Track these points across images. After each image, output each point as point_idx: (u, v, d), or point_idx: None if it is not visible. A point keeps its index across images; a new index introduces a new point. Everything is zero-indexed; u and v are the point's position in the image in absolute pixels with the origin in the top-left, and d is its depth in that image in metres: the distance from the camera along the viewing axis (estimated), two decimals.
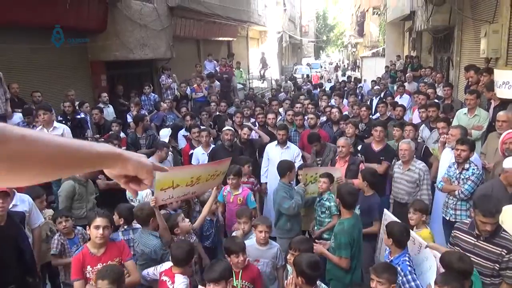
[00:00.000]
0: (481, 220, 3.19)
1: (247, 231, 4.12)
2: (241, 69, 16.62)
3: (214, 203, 4.58)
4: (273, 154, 6.02)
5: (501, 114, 5.14)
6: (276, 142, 6.12)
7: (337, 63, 45.39)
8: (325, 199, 4.66)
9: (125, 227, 4.17)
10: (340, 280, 3.81)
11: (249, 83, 18.72)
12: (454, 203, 4.65)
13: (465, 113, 6.03)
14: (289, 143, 6.17)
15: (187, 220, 4.00)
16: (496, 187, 4.09)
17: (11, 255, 3.54)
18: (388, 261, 3.56)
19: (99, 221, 3.38)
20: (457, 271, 2.92)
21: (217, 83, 12.20)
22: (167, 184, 4.00)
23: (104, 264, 3.37)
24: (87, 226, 3.51)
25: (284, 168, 4.90)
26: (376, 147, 5.69)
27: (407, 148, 4.95)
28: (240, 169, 4.96)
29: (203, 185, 4.26)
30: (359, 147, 5.97)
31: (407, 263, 3.34)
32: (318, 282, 3.26)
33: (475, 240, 3.32)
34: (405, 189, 4.99)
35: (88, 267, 3.37)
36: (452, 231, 3.59)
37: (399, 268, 3.27)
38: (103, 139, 6.56)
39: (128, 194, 5.10)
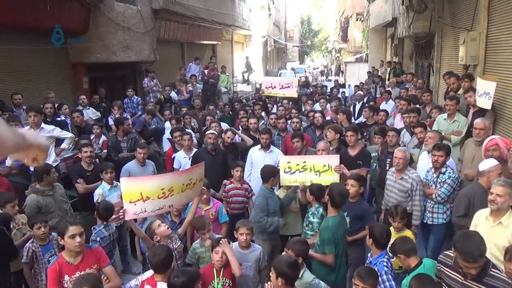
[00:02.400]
0: (463, 264, 2.81)
1: (211, 237, 4.05)
2: (227, 74, 16.62)
3: None
4: (257, 158, 6.02)
5: (478, 122, 5.15)
6: (259, 146, 6.11)
7: (324, 68, 45.88)
8: (310, 213, 4.55)
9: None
10: (324, 278, 3.82)
11: (233, 86, 18.72)
12: (431, 206, 4.75)
13: (444, 119, 6.13)
14: (272, 147, 6.18)
15: (163, 225, 3.91)
16: (478, 191, 4.17)
17: None
18: (367, 262, 3.65)
19: (72, 229, 3.27)
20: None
21: (198, 85, 12.16)
22: (135, 196, 3.82)
23: (82, 272, 3.30)
24: (58, 237, 3.37)
25: (268, 173, 4.81)
26: (352, 152, 5.68)
27: (402, 156, 4.79)
28: (209, 183, 4.75)
29: (179, 196, 4.06)
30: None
31: (384, 263, 3.43)
32: (317, 280, 3.43)
33: (462, 278, 2.93)
34: (396, 197, 4.83)
35: (66, 276, 3.28)
36: (437, 264, 3.21)
37: (376, 269, 3.36)
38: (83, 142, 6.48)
39: (96, 196, 5.14)
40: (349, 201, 4.50)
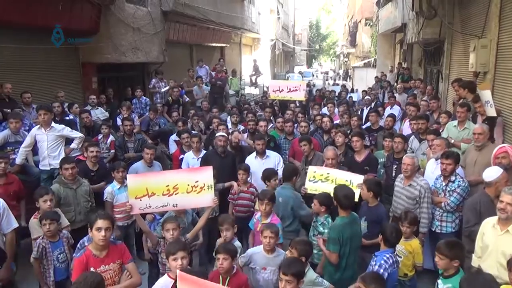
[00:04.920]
0: None
1: (230, 238, 4.04)
2: (238, 77, 16.78)
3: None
4: (254, 167, 5.76)
5: (477, 127, 5.21)
6: (254, 154, 6.02)
7: (334, 73, 46.27)
8: (319, 223, 4.49)
9: None
10: (330, 276, 3.91)
11: (241, 89, 18.78)
12: (440, 214, 4.71)
13: (455, 126, 6.06)
14: (268, 152, 6.08)
15: (172, 232, 3.87)
16: (483, 200, 4.13)
17: None
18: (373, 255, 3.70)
19: (100, 223, 3.39)
20: None
21: (205, 87, 12.20)
22: (141, 192, 3.98)
23: (107, 265, 3.44)
24: (89, 229, 3.49)
25: (290, 172, 4.98)
26: (359, 158, 5.67)
27: (410, 163, 4.73)
28: (274, 196, 4.47)
29: (184, 197, 4.10)
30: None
31: (385, 257, 3.52)
32: (320, 279, 3.56)
33: None
34: (404, 204, 4.77)
35: (92, 269, 3.38)
36: None
37: (375, 258, 3.50)
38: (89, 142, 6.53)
39: (105, 194, 5.20)
40: (367, 205, 4.54)
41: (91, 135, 7.24)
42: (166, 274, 3.46)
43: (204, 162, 5.72)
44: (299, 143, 6.04)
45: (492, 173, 4.10)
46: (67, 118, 7.58)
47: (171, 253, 3.28)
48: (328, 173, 5.04)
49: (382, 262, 3.47)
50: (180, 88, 11.07)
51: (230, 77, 15.92)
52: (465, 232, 4.23)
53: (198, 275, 3.14)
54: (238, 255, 4.00)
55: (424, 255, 4.27)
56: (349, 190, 4.15)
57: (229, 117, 8.29)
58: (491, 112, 5.79)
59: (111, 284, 3.45)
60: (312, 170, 5.19)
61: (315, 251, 4.31)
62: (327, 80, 40.17)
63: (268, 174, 5.11)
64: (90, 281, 2.86)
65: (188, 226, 4.44)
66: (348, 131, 6.87)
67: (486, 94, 5.85)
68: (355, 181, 4.90)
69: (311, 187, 5.08)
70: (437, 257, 3.34)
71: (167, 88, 11.19)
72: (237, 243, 4.11)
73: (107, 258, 3.46)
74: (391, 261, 3.54)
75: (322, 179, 5.03)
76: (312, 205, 4.57)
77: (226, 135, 6.24)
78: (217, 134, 6.24)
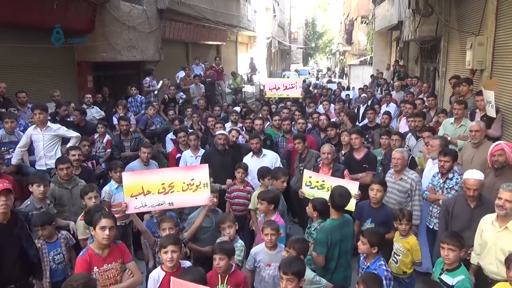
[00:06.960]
0: None
1: (233, 236, 4.06)
2: (240, 76, 16.96)
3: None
4: (251, 165, 5.72)
5: (473, 124, 5.22)
6: (251, 154, 5.99)
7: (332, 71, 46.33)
8: (313, 229, 4.41)
9: None
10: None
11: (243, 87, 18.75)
12: (438, 211, 4.69)
13: (451, 123, 6.07)
14: (265, 151, 6.06)
15: (167, 232, 3.88)
16: (458, 201, 4.13)
17: (14, 254, 3.56)
18: (364, 267, 3.64)
19: (104, 222, 3.38)
20: None
21: (201, 85, 12.16)
22: (136, 190, 3.97)
23: (109, 264, 3.45)
24: (91, 228, 3.50)
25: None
26: (358, 156, 5.68)
27: (400, 157, 4.80)
28: (276, 197, 4.45)
29: (180, 195, 4.09)
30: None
31: (384, 267, 3.45)
32: (318, 278, 3.56)
33: None
34: (395, 198, 4.81)
35: (95, 268, 3.39)
36: None
37: (377, 272, 3.37)
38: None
39: (102, 194, 5.12)
40: (372, 206, 4.50)
41: (85, 134, 7.17)
42: (159, 267, 3.48)
43: (205, 160, 5.71)
44: (293, 141, 6.04)
45: (472, 176, 4.00)
46: (69, 119, 7.51)
47: (162, 246, 3.34)
48: (323, 181, 4.94)
49: (385, 273, 3.39)
50: (176, 88, 11.03)
51: (231, 77, 16.07)
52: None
53: (196, 275, 3.13)
54: (242, 253, 4.03)
55: (423, 257, 4.25)
56: (346, 190, 4.09)
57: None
58: (491, 112, 5.77)
59: (113, 283, 3.47)
60: (307, 174, 5.11)
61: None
62: (321, 78, 40.11)
63: (263, 173, 5.15)
64: (77, 283, 2.83)
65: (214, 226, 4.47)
66: None
67: (489, 95, 5.78)
68: (350, 189, 4.64)
69: (308, 192, 5.02)
70: (446, 251, 3.34)
71: (160, 83, 11.13)
72: (240, 241, 4.12)
73: (109, 257, 3.47)
74: (387, 267, 3.54)
75: (318, 186, 4.94)
76: (307, 208, 4.50)
77: (225, 133, 6.23)
78: (217, 133, 6.24)
